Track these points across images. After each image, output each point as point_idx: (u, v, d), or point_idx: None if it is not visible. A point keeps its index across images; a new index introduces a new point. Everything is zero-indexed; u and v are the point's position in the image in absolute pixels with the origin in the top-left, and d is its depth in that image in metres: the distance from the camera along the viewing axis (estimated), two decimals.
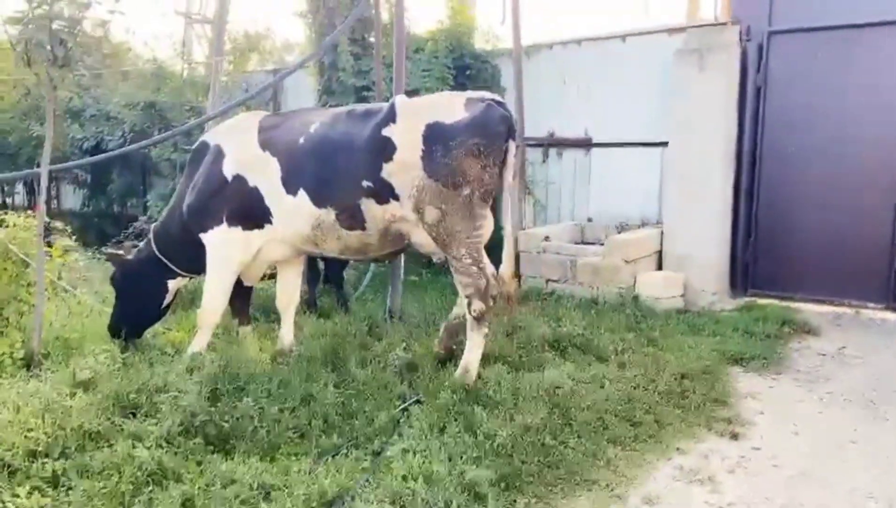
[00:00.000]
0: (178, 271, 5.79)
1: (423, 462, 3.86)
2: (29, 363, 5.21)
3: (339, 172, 5.11)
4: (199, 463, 3.84)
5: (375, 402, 4.77)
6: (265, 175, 5.33)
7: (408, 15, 10.46)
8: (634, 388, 5.25)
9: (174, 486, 3.54)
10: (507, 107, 5.14)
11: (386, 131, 5.01)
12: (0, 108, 12.64)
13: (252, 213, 5.40)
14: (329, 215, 5.18)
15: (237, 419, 4.23)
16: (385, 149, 4.98)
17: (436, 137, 4.91)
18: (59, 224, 5.92)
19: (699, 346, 6.41)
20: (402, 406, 4.71)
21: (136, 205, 12.85)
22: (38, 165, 5.39)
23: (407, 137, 4.96)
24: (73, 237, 6.01)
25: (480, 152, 4.89)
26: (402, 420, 4.53)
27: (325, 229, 5.24)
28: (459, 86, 10.15)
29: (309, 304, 7.35)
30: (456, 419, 4.43)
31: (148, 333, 6.08)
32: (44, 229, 5.44)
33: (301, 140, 5.27)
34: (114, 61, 13.34)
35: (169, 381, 4.60)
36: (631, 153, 9.24)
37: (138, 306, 5.79)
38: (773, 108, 8.11)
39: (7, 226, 5.56)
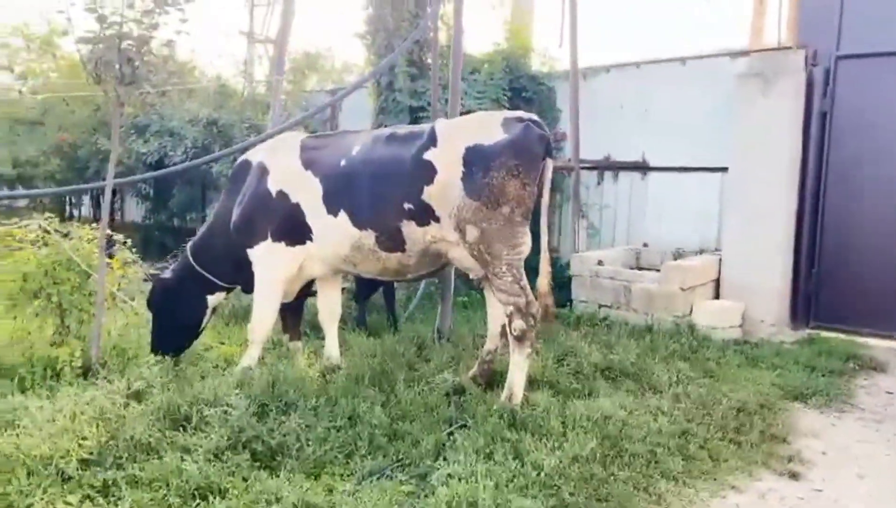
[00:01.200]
0: (220, 283, 5.89)
1: (469, 489, 3.80)
2: (87, 371, 5.35)
3: (380, 195, 5.18)
4: (244, 479, 3.85)
5: (421, 424, 4.72)
6: (307, 194, 5.44)
7: (465, 37, 10.55)
8: (689, 421, 5.09)
9: (219, 501, 3.56)
10: (544, 126, 5.16)
11: (427, 155, 5.08)
12: (72, 122, 13.14)
13: (295, 229, 5.50)
14: (369, 237, 5.24)
15: (284, 435, 4.24)
16: (426, 172, 5.05)
17: (476, 158, 4.97)
18: (120, 236, 6.07)
19: (758, 379, 6.20)
20: (449, 430, 4.66)
21: (195, 219, 13.18)
22: (104, 179, 5.56)
23: (447, 159, 5.03)
24: (134, 250, 6.15)
25: (519, 172, 4.94)
26: (447, 444, 4.47)
27: (364, 251, 5.30)
28: (515, 107, 10.14)
29: (358, 322, 7.38)
30: (503, 446, 4.35)
31: (201, 346, 6.18)
32: (106, 241, 5.61)
33: (342, 162, 5.35)
34: (179, 79, 13.75)
35: (218, 395, 4.65)
36: (689, 178, 9.07)
37: (178, 323, 5.88)
38: (839, 134, 7.86)
39: (71, 238, 5.73)
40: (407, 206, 5.10)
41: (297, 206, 5.45)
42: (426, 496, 3.84)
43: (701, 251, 8.72)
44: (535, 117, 5.20)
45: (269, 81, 10.94)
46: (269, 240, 5.56)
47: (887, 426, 5.50)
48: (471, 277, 5.51)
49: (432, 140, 5.11)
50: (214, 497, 3.61)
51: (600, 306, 8.36)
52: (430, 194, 5.06)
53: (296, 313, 6.28)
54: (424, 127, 5.34)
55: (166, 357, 5.54)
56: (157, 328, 5.90)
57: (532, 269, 5.11)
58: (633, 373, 5.99)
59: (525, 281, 5.11)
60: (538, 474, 4.03)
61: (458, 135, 5.09)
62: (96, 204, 14.96)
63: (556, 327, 7.53)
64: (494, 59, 10.25)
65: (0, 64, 15.96)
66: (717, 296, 8.22)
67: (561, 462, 4.16)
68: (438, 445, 4.44)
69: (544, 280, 5.25)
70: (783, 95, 7.83)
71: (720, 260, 8.22)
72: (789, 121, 7.83)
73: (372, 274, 5.54)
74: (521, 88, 10.13)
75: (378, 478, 4.04)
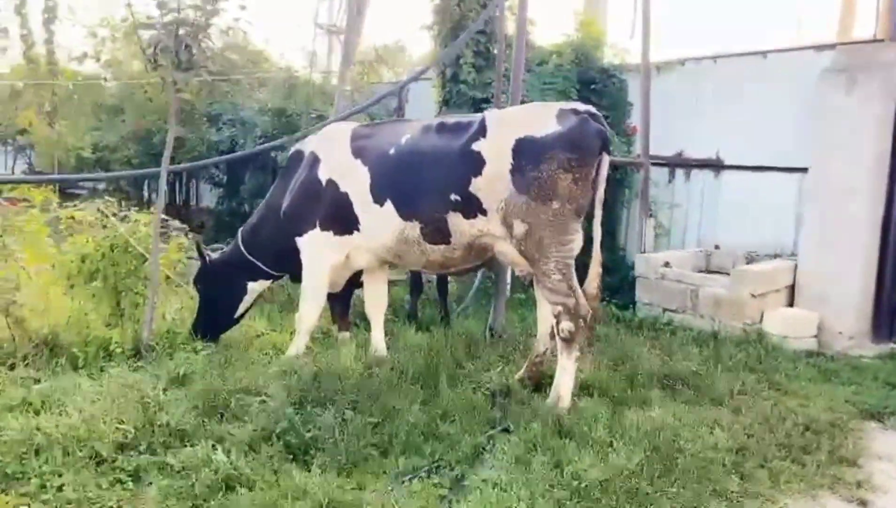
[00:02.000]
0: (266, 270, 5.88)
1: (503, 498, 3.63)
2: (138, 353, 5.42)
3: (426, 185, 5.05)
4: (275, 472, 3.79)
5: (462, 425, 4.57)
6: (355, 182, 5.37)
7: (534, 28, 10.30)
8: (749, 437, 4.76)
9: (246, 494, 3.50)
10: (601, 120, 4.91)
11: (476, 146, 4.91)
12: (149, 109, 13.53)
13: (342, 218, 5.43)
14: (414, 228, 5.12)
15: (319, 429, 4.17)
16: (475, 163, 4.89)
17: (526, 150, 4.77)
18: (176, 222, 6.15)
19: (830, 395, 5.78)
20: (489, 433, 4.48)
21: None
22: (179, 164, 5.61)
23: (496, 151, 4.85)
24: (190, 235, 6.22)
25: (572, 167, 4.72)
26: (487, 448, 4.31)
27: (409, 242, 5.19)
28: (584, 100, 9.79)
29: (410, 315, 7.27)
30: (544, 453, 4.15)
31: (252, 332, 6.20)
32: (161, 226, 5.67)
33: (392, 151, 5.24)
34: (252, 68, 13.99)
35: (259, 384, 4.61)
36: (765, 178, 8.58)
37: (216, 307, 5.93)
38: None
39: (129, 222, 5.82)
40: (454, 197, 4.94)
41: (346, 195, 5.38)
42: (458, 501, 3.69)
43: (776, 256, 8.22)
44: (592, 110, 4.96)
45: (337, 72, 10.93)
46: (318, 229, 5.52)
47: None
48: (517, 273, 5.30)
49: (482, 130, 4.94)
50: (242, 489, 3.56)
51: (665, 310, 8.00)
52: (477, 185, 4.89)
53: (344, 304, 6.23)
54: (475, 117, 5.17)
55: (205, 341, 5.59)
56: (198, 309, 5.98)
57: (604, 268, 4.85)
58: (693, 383, 5.67)
59: (575, 281, 4.88)
60: (578, 485, 3.82)
61: (508, 125, 4.90)
62: (171, 189, 15.40)
63: (612, 329, 7.25)
64: (564, 50, 9.93)
65: (88, 53, 16.59)
66: (790, 304, 7.74)
67: (604, 474, 3.92)
68: (477, 448, 4.28)
69: (594, 282, 5.00)
70: (871, 93, 7.27)
71: (795, 266, 7.73)
72: (878, 120, 7.27)
73: (416, 267, 5.43)
74: (590, 80, 9.78)
75: (411, 479, 3.91)
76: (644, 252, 8.68)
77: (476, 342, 6.44)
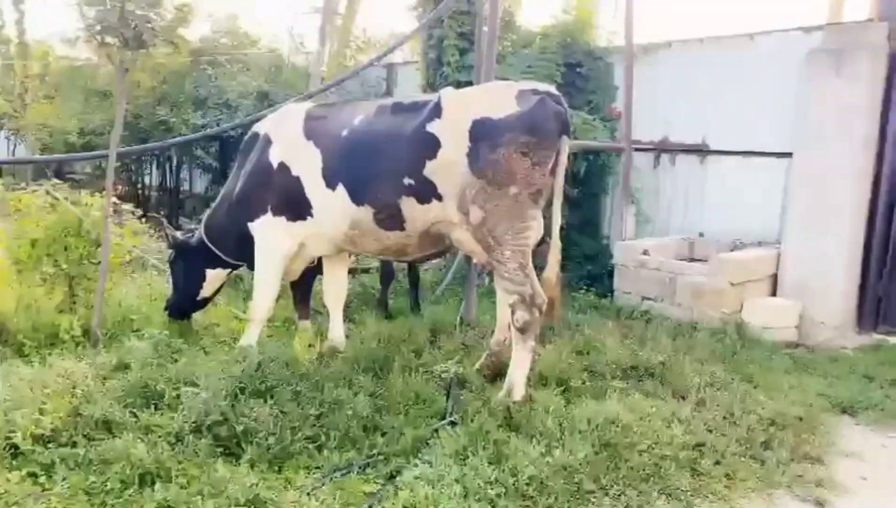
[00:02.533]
0: (225, 258, 5.71)
1: (433, 495, 3.47)
2: (88, 340, 5.28)
3: (379, 168, 4.85)
4: (200, 465, 3.64)
5: (408, 417, 4.42)
6: (307, 166, 5.15)
7: (520, 9, 10.06)
8: (709, 431, 4.56)
9: (160, 489, 3.35)
10: (562, 101, 4.71)
11: (431, 127, 4.69)
12: (137, 94, 13.33)
13: (295, 203, 5.23)
14: (367, 213, 4.92)
15: (253, 421, 4.01)
16: (429, 146, 4.68)
17: (483, 133, 4.55)
18: (129, 206, 5.99)
19: (804, 387, 5.60)
20: (435, 427, 4.31)
21: None
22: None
23: (452, 133, 4.63)
24: (144, 220, 6.06)
25: (530, 150, 4.50)
26: (430, 441, 4.14)
27: (363, 229, 4.99)
28: (569, 83, 9.60)
29: (379, 303, 7.11)
30: (486, 447, 3.97)
31: (214, 320, 6.06)
32: (112, 210, 5.52)
33: (344, 133, 5.03)
34: (238, 51, 13.75)
35: (198, 374, 4.45)
36: (752, 164, 8.33)
37: (181, 289, 5.85)
38: None
39: (80, 205, 5.66)
40: (407, 181, 4.74)
41: (298, 179, 5.18)
42: (387, 498, 3.52)
43: (761, 244, 7.98)
44: (552, 90, 4.75)
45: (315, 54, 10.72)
46: (270, 214, 5.33)
47: None
48: (476, 262, 5.12)
49: (437, 111, 4.72)
50: (158, 484, 3.41)
51: (643, 298, 7.79)
52: (432, 169, 4.68)
53: (305, 292, 6.06)
54: (432, 97, 4.95)
55: (172, 320, 5.60)
56: (171, 290, 5.95)
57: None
58: (660, 374, 5.47)
59: (531, 269, 4.69)
60: (516, 482, 3.65)
61: (465, 106, 4.68)
62: (162, 174, 15.24)
63: (588, 318, 7.05)
64: (550, 32, 9.67)
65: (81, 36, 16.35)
66: (774, 294, 7.51)
67: (546, 470, 3.75)
68: (419, 441, 4.11)
69: (552, 270, 4.81)
70: (859, 75, 7.00)
71: (779, 254, 7.49)
72: (865, 103, 7.00)
73: (373, 254, 5.25)
74: (576, 63, 9.52)
75: (344, 474, 3.75)
76: (625, 240, 8.47)
77: (442, 332, 6.26)
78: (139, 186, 15.87)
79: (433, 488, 3.52)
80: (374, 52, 14.26)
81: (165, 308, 5.90)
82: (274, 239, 5.34)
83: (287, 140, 5.30)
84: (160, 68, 13.28)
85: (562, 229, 8.47)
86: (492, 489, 3.56)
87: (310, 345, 5.52)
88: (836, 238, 7.14)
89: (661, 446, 4.23)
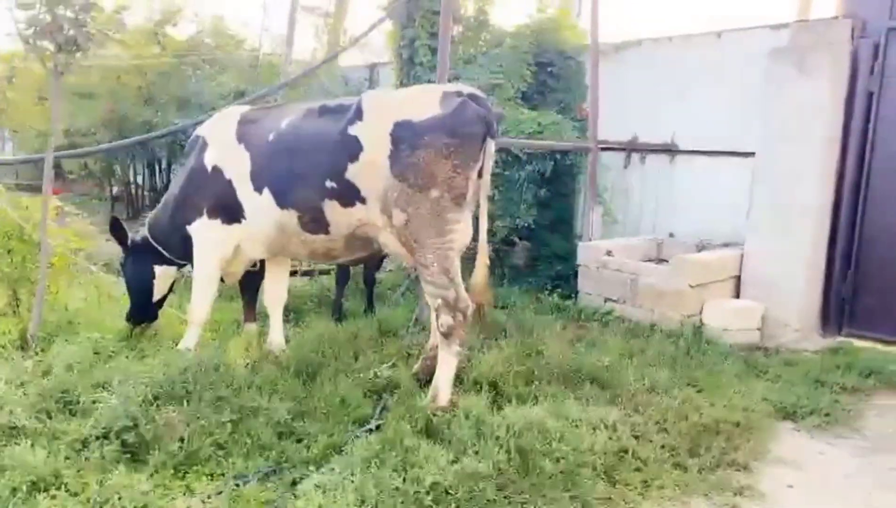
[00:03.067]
0: (169, 256, 5.71)
1: (326, 504, 3.43)
2: (25, 345, 5.28)
3: (302, 171, 4.83)
4: (100, 473, 3.62)
5: (327, 424, 4.38)
6: (238, 169, 5.16)
7: (492, 8, 9.99)
8: (636, 437, 4.50)
9: (48, 497, 3.33)
10: (486, 103, 4.65)
11: (353, 130, 4.67)
12: (123, 95, 13.40)
13: (228, 207, 5.23)
14: (292, 217, 4.91)
15: (163, 426, 3.99)
16: (351, 148, 4.65)
17: (404, 135, 4.53)
18: (72, 208, 6.00)
19: (750, 392, 5.49)
20: (355, 433, 4.28)
21: None
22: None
23: (374, 135, 4.61)
24: (90, 222, 6.08)
25: (451, 152, 4.47)
26: (343, 449, 4.10)
27: (288, 232, 4.98)
28: (540, 83, 9.56)
29: (333, 304, 7.08)
30: (397, 455, 3.93)
31: (164, 324, 6.07)
32: (56, 213, 5.52)
33: (271, 136, 5.03)
34: (214, 52, 13.77)
35: (122, 379, 4.44)
36: (720, 163, 8.24)
37: (134, 290, 5.84)
38: (888, 117, 6.85)
39: (21, 209, 5.67)
40: (330, 184, 4.72)
41: (230, 182, 5.17)
42: (282, 507, 3.49)
43: (728, 244, 7.88)
44: (477, 92, 4.70)
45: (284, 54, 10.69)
46: (206, 217, 5.33)
47: (884, 458, 4.71)
48: (405, 264, 5.09)
49: (359, 113, 4.70)
50: (50, 492, 3.40)
51: (606, 299, 7.72)
52: (354, 172, 4.66)
53: (251, 294, 6.05)
54: (356, 99, 4.92)
55: (132, 325, 5.67)
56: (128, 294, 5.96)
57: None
58: (601, 378, 5.40)
59: (455, 273, 4.64)
60: (416, 491, 3.60)
61: (386, 109, 4.66)
62: (150, 174, 15.31)
63: (544, 319, 6.98)
64: (522, 31, 9.62)
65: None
66: (738, 296, 7.42)
67: (451, 479, 3.70)
68: (331, 448, 4.08)
69: (480, 273, 4.77)
70: (823, 72, 6.88)
71: (742, 254, 7.39)
72: (829, 101, 6.88)
73: (302, 257, 5.23)
74: (547, 62, 9.48)
75: (246, 482, 3.72)
76: (591, 240, 8.39)
77: (390, 334, 6.23)
78: (131, 186, 15.98)
79: (330, 497, 3.48)
80: (363, 53, 14.31)
81: (127, 318, 5.86)
82: (210, 242, 5.34)
83: (221, 143, 5.30)
84: (146, 69, 13.39)
85: (532, 229, 8.64)
86: (390, 497, 3.52)
87: (246, 348, 5.50)
88: (799, 238, 7.03)
89: (579, 453, 4.16)
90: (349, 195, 4.70)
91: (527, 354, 5.72)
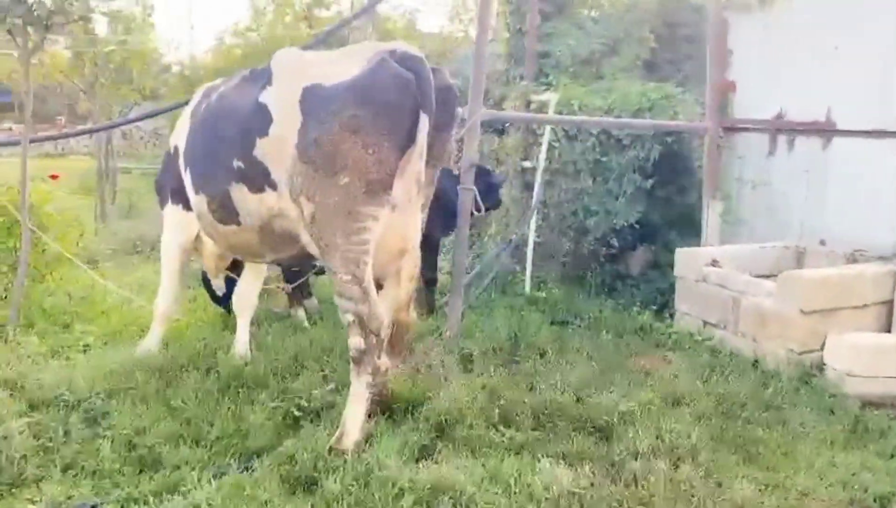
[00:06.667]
0: None
1: None
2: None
3: (210, 149, 4.34)
4: None
5: (217, 449, 3.91)
6: (181, 148, 4.85)
7: None
8: None
9: None
10: (419, 65, 3.79)
11: (263, 97, 4.03)
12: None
13: (182, 191, 4.91)
14: (203, 203, 4.45)
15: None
16: (261, 120, 4.00)
17: (312, 104, 3.82)
18: None
19: (832, 468, 4.09)
20: (219, 469, 3.72)
21: None
22: None
23: (283, 104, 3.94)
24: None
25: (360, 127, 3.68)
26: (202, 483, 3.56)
27: (205, 222, 4.56)
28: (669, 49, 8.26)
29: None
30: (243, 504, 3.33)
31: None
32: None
33: (202, 109, 4.58)
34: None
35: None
36: (890, 148, 6.41)
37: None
38: None
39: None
40: (237, 164, 4.13)
41: (181, 164, 4.88)
42: None
43: (883, 258, 6.12)
44: (410, 50, 3.89)
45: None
46: (170, 202, 5.19)
47: None
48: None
49: (268, 76, 4.08)
50: None
51: (705, 323, 6.35)
52: (263, 149, 4.01)
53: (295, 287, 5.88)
54: None
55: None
56: None
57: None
58: (607, 432, 4.32)
59: (369, 283, 3.86)
60: None
61: (298, 71, 3.98)
62: None
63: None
64: None
65: None
66: (889, 329, 5.71)
67: None
68: (175, 486, 3.56)
69: (403, 289, 3.96)
70: None
71: None
72: None
73: (227, 252, 4.79)
74: (677, 23, 8.14)
75: None
76: (707, 246, 7.01)
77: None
78: None
79: None
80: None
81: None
82: (172, 229, 5.19)
83: (181, 120, 5.05)
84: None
85: (638, 228, 7.43)
86: None
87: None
88: None
89: None
90: (258, 178, 4.08)
91: (528, 387, 4.78)
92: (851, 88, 6.67)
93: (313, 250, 4.16)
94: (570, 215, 7.69)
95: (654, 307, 7.04)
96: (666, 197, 7.76)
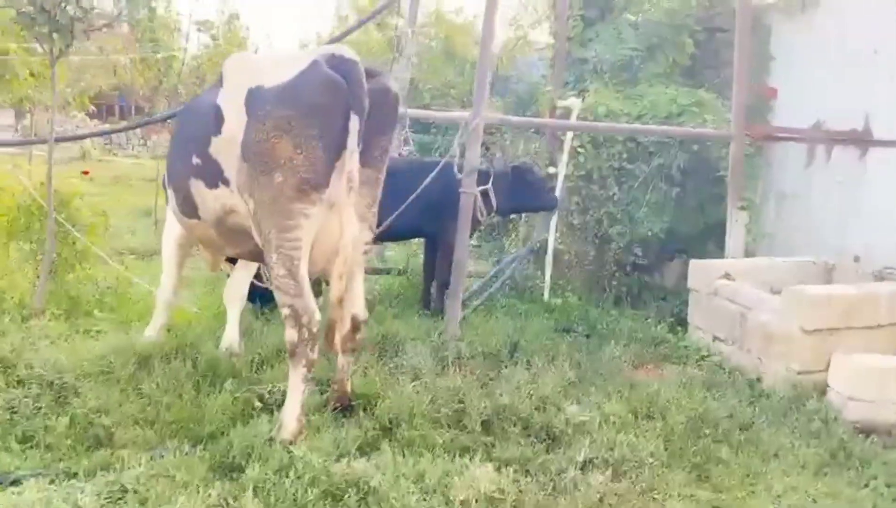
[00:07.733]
0: None
1: None
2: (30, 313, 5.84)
3: (178, 147, 4.69)
4: None
5: (148, 435, 4.10)
6: None
7: None
8: None
9: None
10: (352, 69, 3.94)
11: (219, 98, 4.31)
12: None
13: None
14: (172, 197, 4.78)
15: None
16: (216, 120, 4.28)
17: (255, 105, 4.04)
18: None
19: (793, 494, 3.92)
20: (159, 452, 3.92)
21: None
22: None
23: (232, 104, 4.20)
24: None
25: (291, 127, 3.88)
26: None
27: (177, 215, 4.87)
28: (709, 55, 8.03)
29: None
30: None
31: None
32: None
33: (192, 103, 4.93)
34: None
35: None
36: None
37: None
38: None
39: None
40: (196, 161, 4.41)
41: None
42: None
43: None
44: (347, 55, 4.04)
45: None
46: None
47: None
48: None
49: (221, 79, 4.38)
50: None
51: (714, 338, 6.13)
52: (217, 147, 4.28)
53: None
54: None
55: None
56: None
57: None
58: (561, 441, 4.28)
59: (303, 278, 4.03)
60: None
61: (245, 72, 4.23)
62: None
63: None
64: None
65: None
66: None
67: None
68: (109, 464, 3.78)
69: (336, 286, 4.07)
70: None
71: None
72: None
73: (201, 247, 5.04)
74: (716, 28, 7.89)
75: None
76: (729, 257, 6.76)
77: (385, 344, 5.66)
78: None
79: None
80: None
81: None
82: (171, 222, 5.43)
83: None
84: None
85: (679, 239, 7.24)
86: None
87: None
88: None
89: None
90: (212, 175, 4.34)
91: (491, 392, 4.77)
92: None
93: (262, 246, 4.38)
94: (594, 222, 7.57)
95: (671, 320, 6.84)
96: (698, 206, 7.53)
